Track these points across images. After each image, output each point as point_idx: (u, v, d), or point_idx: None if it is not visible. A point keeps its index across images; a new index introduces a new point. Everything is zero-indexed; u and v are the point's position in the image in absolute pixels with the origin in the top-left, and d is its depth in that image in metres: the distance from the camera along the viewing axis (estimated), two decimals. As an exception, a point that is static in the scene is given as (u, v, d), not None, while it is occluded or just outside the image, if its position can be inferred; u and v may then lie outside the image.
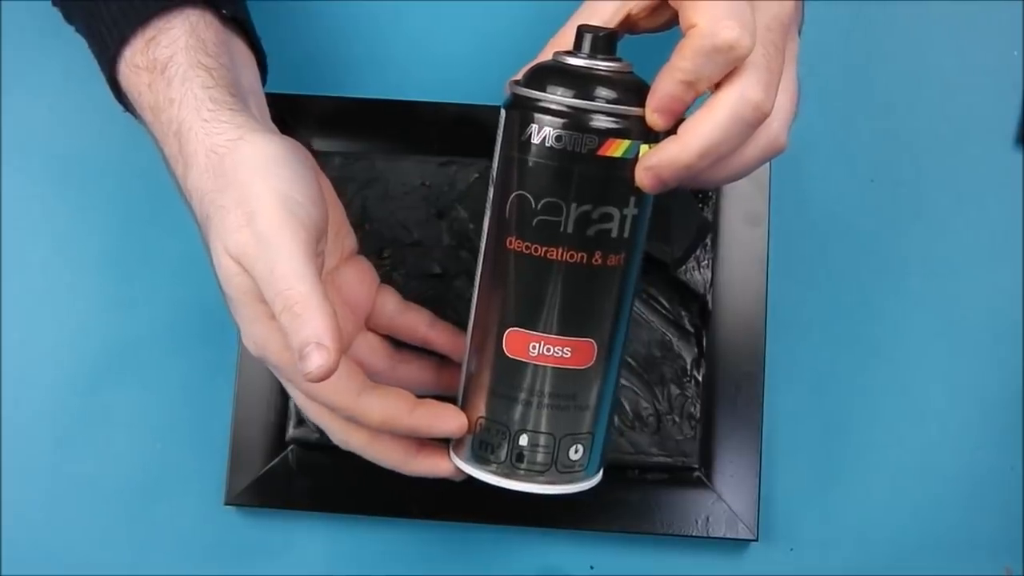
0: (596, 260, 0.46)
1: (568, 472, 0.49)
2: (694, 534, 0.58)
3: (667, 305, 0.60)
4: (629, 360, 0.59)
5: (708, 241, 0.60)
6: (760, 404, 0.59)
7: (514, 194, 0.46)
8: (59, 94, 0.63)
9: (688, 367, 0.59)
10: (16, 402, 0.61)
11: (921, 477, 0.61)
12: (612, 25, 0.48)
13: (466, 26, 0.64)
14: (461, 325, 0.51)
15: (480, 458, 0.49)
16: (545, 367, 0.47)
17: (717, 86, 0.43)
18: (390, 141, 0.62)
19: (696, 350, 0.60)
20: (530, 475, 0.48)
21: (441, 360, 0.54)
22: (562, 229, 0.45)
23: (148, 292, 0.62)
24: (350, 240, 0.54)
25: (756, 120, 0.43)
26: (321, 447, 0.58)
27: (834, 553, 0.60)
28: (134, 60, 0.48)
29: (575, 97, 0.44)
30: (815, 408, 0.61)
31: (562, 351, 0.47)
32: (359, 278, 0.53)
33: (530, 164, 0.45)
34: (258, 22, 0.53)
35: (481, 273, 0.48)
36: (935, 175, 0.64)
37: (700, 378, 0.59)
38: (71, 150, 0.63)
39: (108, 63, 0.49)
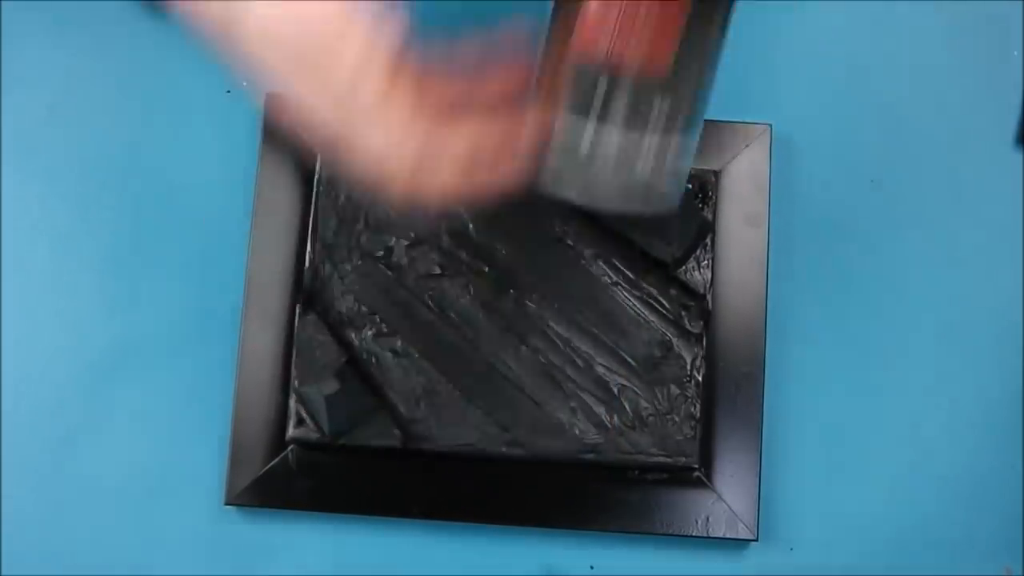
0: None
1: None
2: (694, 534, 0.58)
3: (667, 305, 0.60)
4: (629, 360, 0.59)
5: (708, 241, 0.60)
6: (760, 404, 0.59)
7: None
8: (59, 94, 0.63)
9: (688, 367, 0.59)
10: (16, 402, 0.61)
11: (921, 477, 0.61)
12: None
13: (466, 26, 0.64)
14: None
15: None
16: None
17: None
18: (390, 141, 0.62)
19: (696, 350, 0.60)
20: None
21: None
22: None
23: (148, 292, 0.62)
24: None
25: None
26: (321, 447, 0.58)
27: (834, 553, 0.60)
28: None
29: None
30: (815, 408, 0.61)
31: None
32: None
33: None
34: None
35: None
36: (935, 175, 0.64)
37: (700, 378, 0.59)
38: (71, 150, 0.63)
39: None
